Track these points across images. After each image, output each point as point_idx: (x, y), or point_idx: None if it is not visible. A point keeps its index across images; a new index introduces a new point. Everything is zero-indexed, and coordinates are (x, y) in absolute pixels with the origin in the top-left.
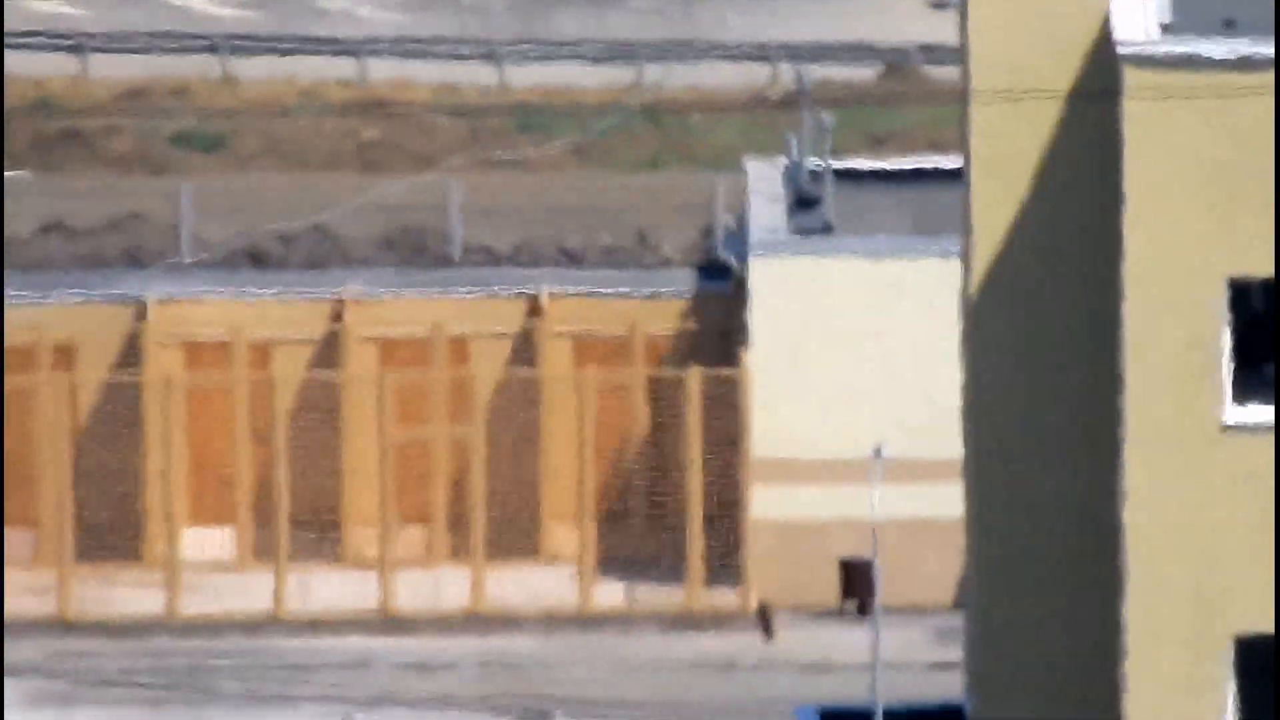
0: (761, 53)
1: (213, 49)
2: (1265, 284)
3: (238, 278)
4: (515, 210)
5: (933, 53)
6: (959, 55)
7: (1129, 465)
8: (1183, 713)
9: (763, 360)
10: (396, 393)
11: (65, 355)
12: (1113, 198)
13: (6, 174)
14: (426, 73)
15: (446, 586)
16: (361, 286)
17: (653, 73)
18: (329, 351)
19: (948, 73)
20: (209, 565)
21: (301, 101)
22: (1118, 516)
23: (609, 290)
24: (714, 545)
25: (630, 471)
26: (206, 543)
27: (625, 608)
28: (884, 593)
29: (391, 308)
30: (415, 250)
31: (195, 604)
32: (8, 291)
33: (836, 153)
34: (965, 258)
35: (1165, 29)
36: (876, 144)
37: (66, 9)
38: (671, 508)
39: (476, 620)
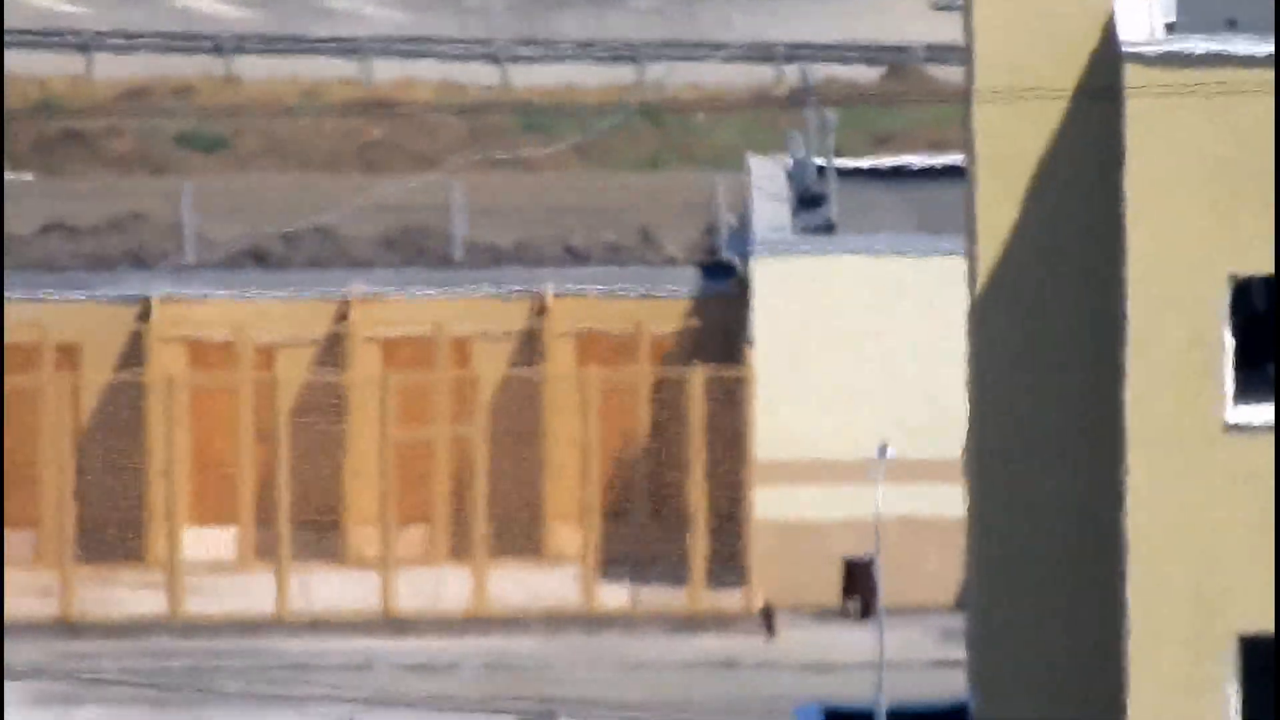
0: (763, 52)
1: (215, 49)
2: (1267, 282)
3: (240, 278)
4: (517, 210)
5: (935, 52)
6: (962, 55)
7: (1131, 464)
8: (1184, 712)
9: (766, 359)
10: (399, 393)
11: (68, 355)
12: (1115, 197)
13: (9, 175)
14: (429, 72)
15: (449, 587)
16: (364, 286)
17: (655, 72)
18: (332, 351)
19: (950, 72)
20: (211, 565)
21: (304, 101)
22: (1119, 516)
23: (612, 289)
24: (717, 545)
25: (633, 471)
26: (208, 543)
27: (628, 608)
28: (885, 592)
29: (394, 307)
30: (418, 250)
31: (197, 604)
32: (11, 291)
33: (839, 152)
34: (969, 257)
35: (1169, 29)
36: (879, 143)
37: (69, 8)
38: (675, 508)
39: (478, 621)
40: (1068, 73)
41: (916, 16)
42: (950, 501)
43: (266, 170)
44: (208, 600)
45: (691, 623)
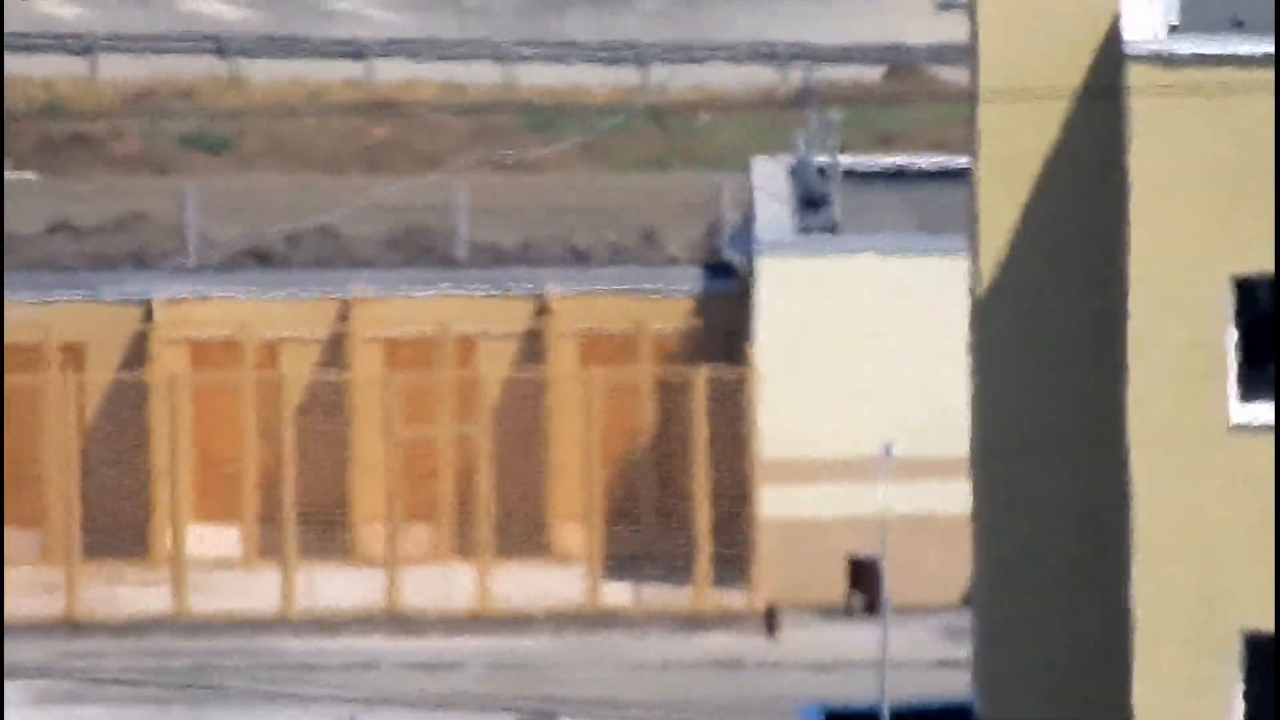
0: (767, 53)
1: (219, 50)
2: (1270, 282)
3: (243, 278)
4: (521, 210)
5: (939, 52)
6: (965, 55)
7: (1133, 464)
8: (1189, 712)
9: (768, 359)
10: (403, 392)
11: (72, 355)
12: (1118, 197)
13: (13, 175)
14: (432, 72)
15: (454, 585)
16: (366, 286)
17: (659, 73)
18: (335, 351)
19: (953, 72)
20: (215, 564)
21: (308, 102)
22: (1122, 516)
23: (615, 290)
24: (721, 545)
25: (637, 471)
26: (213, 541)
27: (632, 607)
28: (888, 591)
29: (398, 307)
30: (421, 250)
31: (201, 603)
32: (15, 291)
33: (843, 151)
34: (971, 257)
35: (1173, 29)
36: (882, 143)
37: (74, 10)
38: (679, 507)
39: (482, 620)
40: (1071, 73)
41: (919, 16)
42: (951, 501)
43: (270, 171)
44: (212, 599)
45: (695, 622)
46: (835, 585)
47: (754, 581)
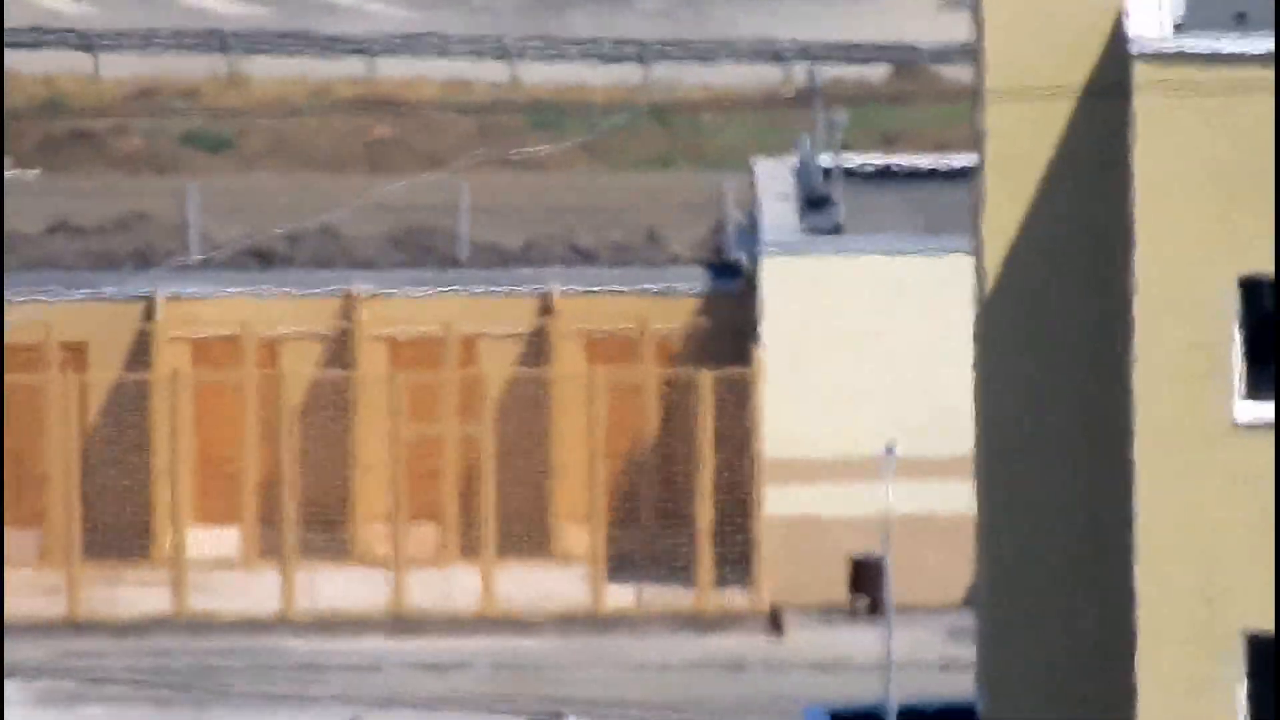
0: (771, 52)
1: (222, 48)
2: (1271, 283)
3: (245, 277)
4: (524, 209)
5: (943, 52)
6: (969, 54)
7: (1137, 464)
8: (1193, 711)
9: (773, 358)
10: (406, 392)
11: (74, 354)
12: (1121, 198)
13: (15, 173)
14: (435, 70)
15: (457, 586)
16: (368, 285)
17: (662, 72)
18: (338, 350)
19: (957, 72)
20: (217, 564)
21: (310, 100)
22: (1125, 516)
23: (619, 289)
24: (725, 545)
25: (641, 471)
26: (214, 541)
27: (636, 608)
28: (890, 591)
29: (401, 306)
30: (424, 249)
31: (203, 603)
32: (17, 290)
33: (846, 146)
34: (975, 257)
35: (1178, 28)
36: (886, 143)
37: (76, 7)
38: (682, 508)
39: (486, 620)
40: (1075, 72)
41: (923, 16)
42: (954, 500)
43: (272, 170)
44: (213, 599)
45: (699, 622)
46: (836, 585)
47: (757, 582)
